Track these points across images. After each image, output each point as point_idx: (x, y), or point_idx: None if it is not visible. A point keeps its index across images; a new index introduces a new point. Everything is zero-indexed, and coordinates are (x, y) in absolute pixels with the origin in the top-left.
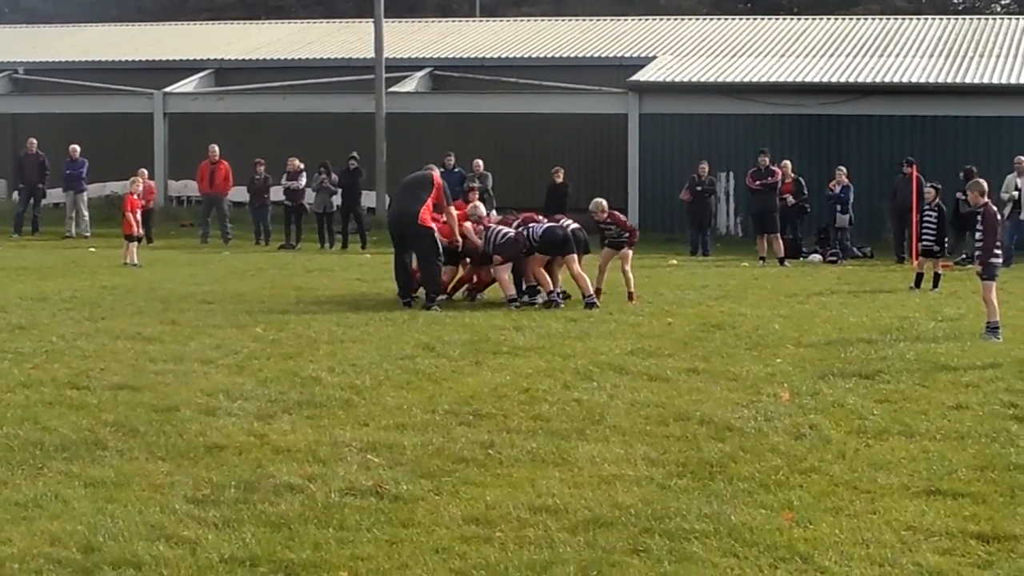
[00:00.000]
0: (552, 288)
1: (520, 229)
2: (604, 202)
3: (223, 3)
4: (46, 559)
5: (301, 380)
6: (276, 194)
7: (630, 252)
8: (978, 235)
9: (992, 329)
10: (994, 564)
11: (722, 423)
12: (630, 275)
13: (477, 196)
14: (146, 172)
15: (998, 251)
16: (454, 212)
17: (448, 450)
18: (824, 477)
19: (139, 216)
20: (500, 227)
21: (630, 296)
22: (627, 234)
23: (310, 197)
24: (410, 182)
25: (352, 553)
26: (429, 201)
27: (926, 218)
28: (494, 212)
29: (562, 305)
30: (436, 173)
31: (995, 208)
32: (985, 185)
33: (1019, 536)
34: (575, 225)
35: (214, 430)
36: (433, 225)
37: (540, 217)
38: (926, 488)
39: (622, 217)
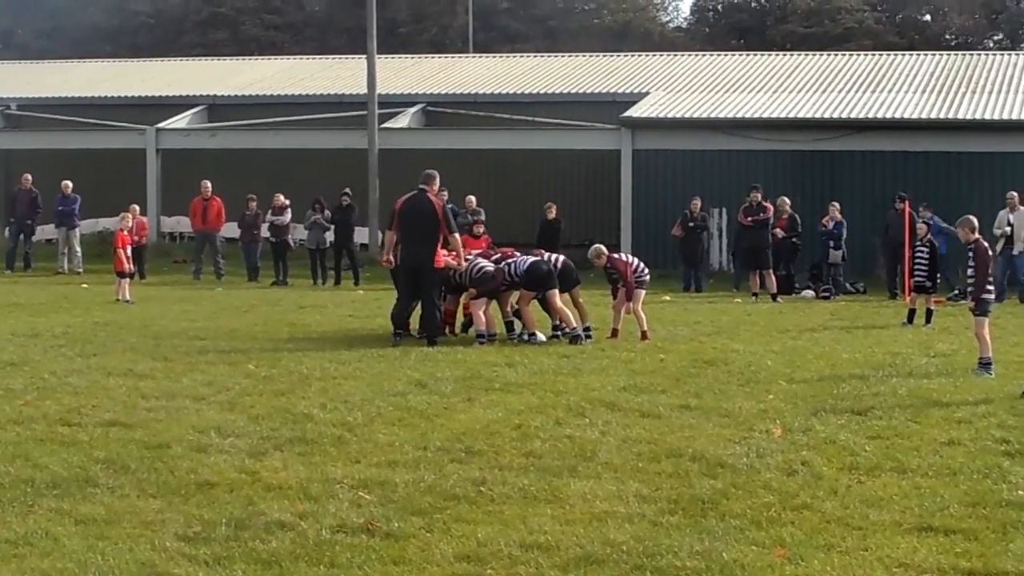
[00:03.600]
0: (530, 328)
1: (501, 265)
2: (603, 248)
3: (216, 39)
4: None
5: (293, 417)
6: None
7: (641, 292)
8: (970, 271)
9: (984, 365)
10: None
11: (714, 460)
12: (641, 314)
13: (482, 227)
14: (137, 208)
15: (990, 287)
16: (458, 237)
17: (440, 487)
18: (816, 514)
19: (130, 252)
20: (479, 260)
21: (643, 335)
22: (633, 277)
23: (297, 233)
24: (417, 219)
25: None
26: (440, 240)
27: (918, 254)
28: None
29: (587, 340)
30: (434, 198)
31: (986, 244)
32: (975, 222)
33: (1011, 573)
34: (562, 258)
35: (205, 467)
36: (443, 265)
37: (517, 253)
38: (918, 525)
39: (623, 260)
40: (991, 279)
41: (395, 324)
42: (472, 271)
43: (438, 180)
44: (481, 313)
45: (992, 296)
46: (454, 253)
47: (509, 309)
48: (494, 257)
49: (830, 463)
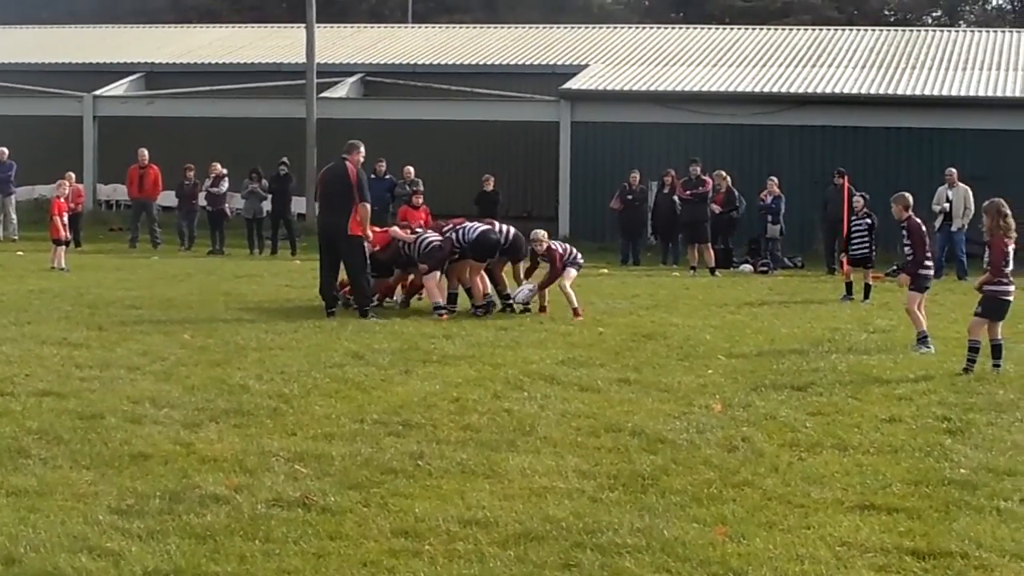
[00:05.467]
0: (485, 294)
1: (448, 233)
2: (545, 235)
3: (155, 7)
4: None
5: (229, 388)
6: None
7: (573, 271)
8: (907, 249)
9: (922, 340)
10: None
11: (654, 435)
12: (570, 291)
13: (421, 198)
14: (73, 175)
15: (929, 263)
16: (368, 207)
17: (377, 461)
18: (757, 491)
19: (67, 220)
20: (427, 234)
21: (575, 312)
22: (564, 262)
23: (234, 202)
24: (331, 189)
25: (278, 566)
26: (356, 209)
27: (856, 228)
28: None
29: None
30: (351, 167)
31: (919, 221)
32: (909, 199)
33: (954, 552)
34: (513, 230)
35: (139, 439)
36: (360, 233)
37: (467, 222)
38: (860, 503)
39: (558, 252)
40: (929, 255)
41: (323, 298)
42: (421, 245)
43: (362, 150)
44: (434, 286)
45: (931, 272)
46: (407, 230)
47: (456, 281)
48: (445, 228)
49: (771, 439)
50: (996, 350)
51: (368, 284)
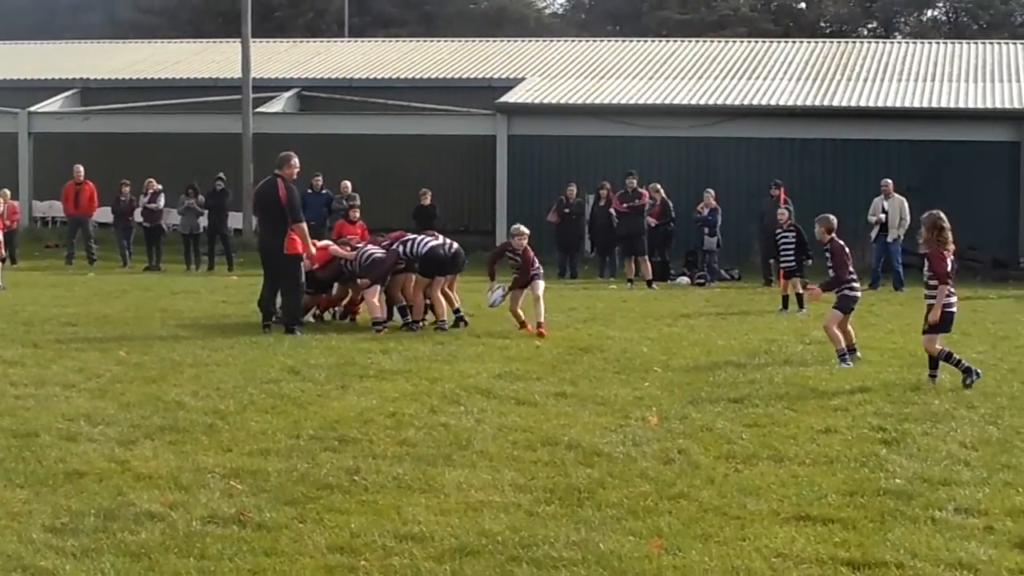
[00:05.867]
0: (439, 316)
1: (395, 246)
2: (527, 232)
3: (90, 22)
4: None
5: (164, 405)
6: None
7: (541, 283)
8: (830, 271)
9: (841, 356)
10: None
11: (590, 448)
12: (542, 303)
13: (358, 212)
14: (8, 192)
15: (854, 284)
16: (303, 227)
17: (313, 476)
18: (693, 503)
19: (2, 237)
20: (369, 247)
21: (540, 325)
22: (533, 269)
23: (170, 218)
24: (264, 208)
25: None
26: (291, 228)
27: (783, 240)
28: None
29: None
30: (282, 184)
31: (842, 243)
32: (833, 221)
33: (889, 563)
34: (456, 245)
35: (74, 456)
36: (300, 251)
37: (409, 235)
38: (796, 514)
39: (532, 255)
40: (853, 276)
41: (262, 312)
42: (362, 259)
43: (294, 161)
44: (375, 300)
45: (856, 294)
46: (347, 246)
47: (400, 295)
48: (384, 243)
49: (707, 451)
50: (933, 360)
51: (298, 302)
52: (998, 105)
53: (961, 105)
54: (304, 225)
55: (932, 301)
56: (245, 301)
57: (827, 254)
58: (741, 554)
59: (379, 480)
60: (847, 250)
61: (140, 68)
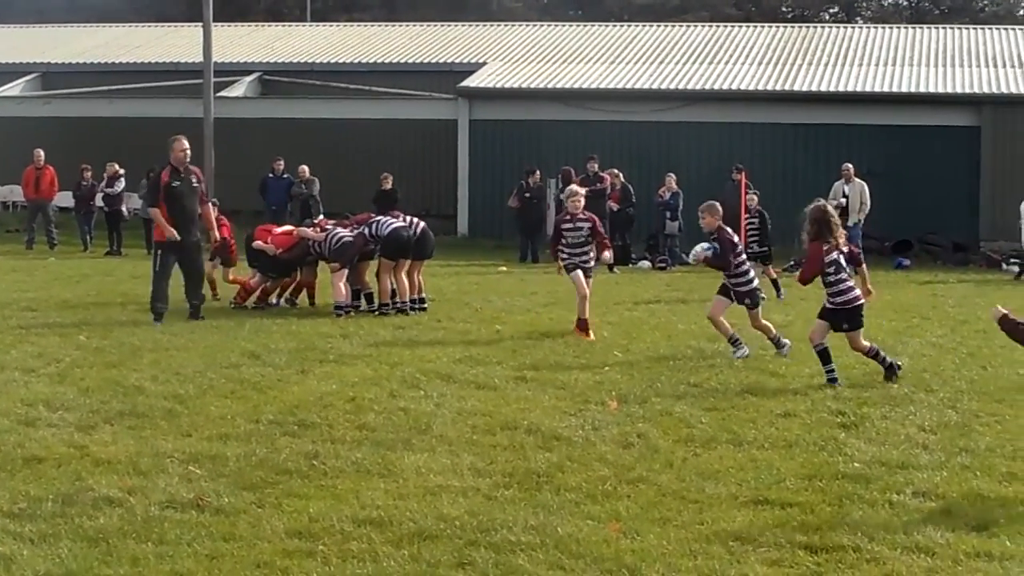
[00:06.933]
0: (402, 297)
1: (361, 229)
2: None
3: (51, 5)
4: None
5: (124, 389)
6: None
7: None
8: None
9: (779, 346)
10: (823, 575)
11: (549, 432)
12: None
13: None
14: None
15: (749, 276)
16: (210, 208)
17: (271, 461)
18: (652, 487)
19: None
20: (338, 230)
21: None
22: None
23: (131, 202)
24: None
25: (171, 568)
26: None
27: (749, 224)
28: (321, 217)
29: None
30: (198, 170)
31: (730, 232)
32: (719, 208)
33: (847, 546)
34: (423, 225)
35: (33, 441)
36: (159, 239)
37: (375, 216)
38: (754, 498)
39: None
40: (746, 269)
41: (161, 307)
42: (332, 241)
43: (177, 145)
44: (341, 284)
45: (755, 285)
46: (316, 227)
47: (367, 279)
48: (350, 226)
49: (666, 435)
50: (879, 358)
51: (159, 287)
52: (958, 90)
53: (922, 90)
54: (156, 211)
55: (838, 300)
56: (206, 286)
57: (714, 243)
58: (699, 537)
59: (338, 465)
60: (736, 240)
61: (102, 52)
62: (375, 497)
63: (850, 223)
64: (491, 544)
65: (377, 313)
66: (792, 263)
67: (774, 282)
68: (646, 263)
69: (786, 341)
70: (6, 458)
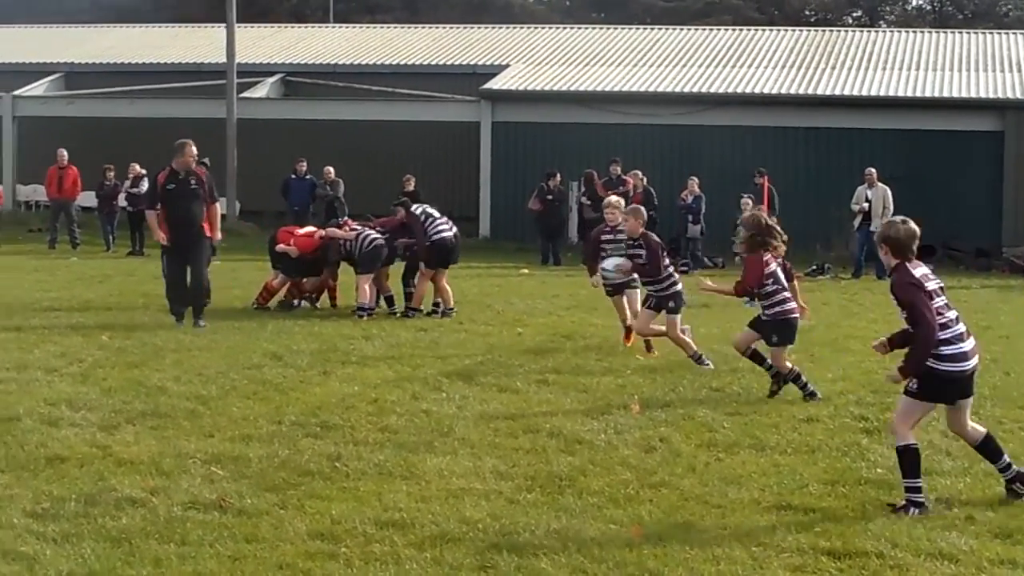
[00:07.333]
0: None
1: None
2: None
3: (75, 6)
4: None
5: (146, 390)
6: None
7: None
8: (644, 267)
9: (698, 361)
10: None
11: (572, 436)
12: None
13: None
14: None
15: (673, 280)
16: (217, 209)
17: (294, 462)
18: (674, 491)
19: None
20: (369, 231)
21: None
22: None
23: None
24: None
25: (194, 569)
26: (207, 207)
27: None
28: (347, 219)
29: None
30: (203, 170)
31: (656, 239)
32: (644, 213)
33: (870, 552)
34: (455, 230)
35: (56, 441)
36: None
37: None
38: (777, 503)
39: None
40: (671, 272)
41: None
42: (363, 243)
43: (186, 150)
44: (366, 287)
45: (678, 290)
46: (346, 226)
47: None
48: (377, 228)
49: (688, 440)
50: (780, 376)
51: (169, 289)
52: (982, 94)
53: (945, 94)
54: (151, 213)
55: (772, 312)
56: (228, 286)
57: (642, 253)
58: (722, 543)
59: (360, 467)
60: (662, 245)
61: (125, 52)
62: (397, 499)
63: (872, 228)
64: (513, 547)
65: (399, 316)
66: (813, 268)
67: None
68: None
69: (708, 362)
70: (29, 457)
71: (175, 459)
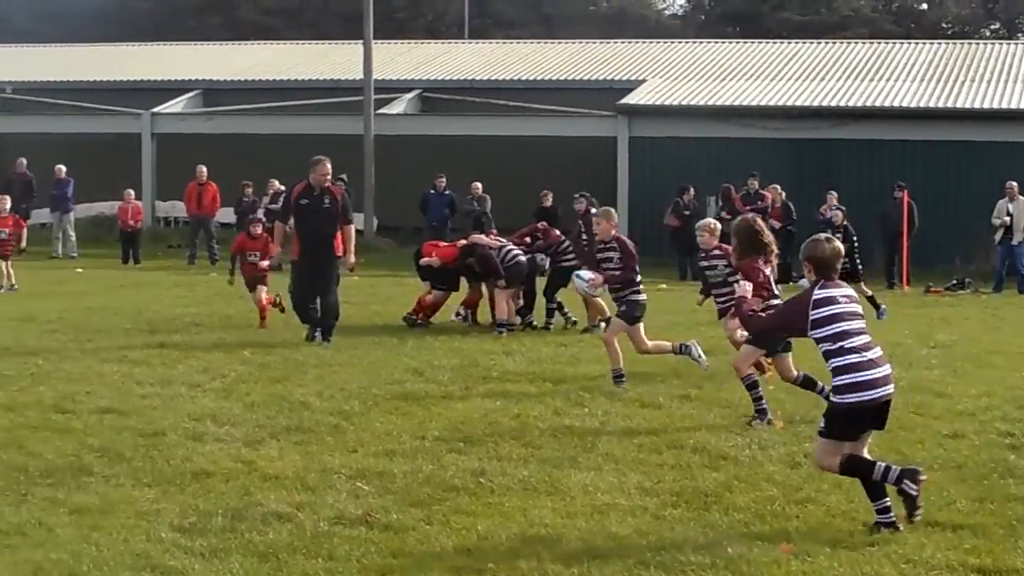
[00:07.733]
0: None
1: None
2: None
3: (211, 24)
4: None
5: (289, 405)
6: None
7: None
8: (616, 272)
9: (617, 376)
10: None
11: (716, 451)
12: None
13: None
14: (132, 192)
15: (637, 289)
16: (351, 230)
17: (438, 478)
18: (821, 508)
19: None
20: (511, 247)
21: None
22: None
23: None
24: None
25: None
26: (339, 225)
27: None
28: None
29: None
30: (339, 188)
31: (626, 239)
32: (615, 215)
33: (1020, 570)
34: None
35: (201, 456)
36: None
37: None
38: (925, 520)
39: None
40: (637, 280)
41: (311, 324)
42: (505, 257)
43: (320, 167)
44: (504, 303)
45: (643, 299)
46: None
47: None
48: (515, 241)
49: None
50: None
51: (294, 305)
52: None
53: None
54: (279, 225)
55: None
56: (367, 302)
57: (615, 257)
58: (871, 560)
59: (505, 482)
60: (634, 250)
61: (262, 69)
62: (543, 515)
63: (1014, 242)
64: (661, 564)
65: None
66: (954, 282)
67: (870, 299)
68: (806, 281)
69: (624, 383)
70: (175, 472)
71: (320, 474)
